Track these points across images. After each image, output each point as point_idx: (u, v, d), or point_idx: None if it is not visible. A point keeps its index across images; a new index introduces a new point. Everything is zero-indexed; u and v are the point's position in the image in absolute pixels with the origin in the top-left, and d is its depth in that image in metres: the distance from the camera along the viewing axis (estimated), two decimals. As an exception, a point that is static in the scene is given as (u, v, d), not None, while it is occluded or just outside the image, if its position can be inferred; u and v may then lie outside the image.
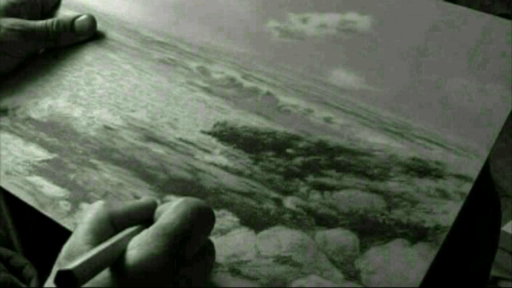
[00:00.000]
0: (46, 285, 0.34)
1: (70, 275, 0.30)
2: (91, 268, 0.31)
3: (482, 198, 0.57)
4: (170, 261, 0.34)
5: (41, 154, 0.50)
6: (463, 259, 0.58)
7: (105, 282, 0.33)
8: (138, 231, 0.36)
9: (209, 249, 0.38)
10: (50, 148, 0.50)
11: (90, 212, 0.37)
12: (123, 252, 0.34)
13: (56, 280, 0.30)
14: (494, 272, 1.31)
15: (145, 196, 0.45)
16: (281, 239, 0.41)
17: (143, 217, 0.39)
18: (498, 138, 0.43)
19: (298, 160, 0.44)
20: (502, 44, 0.46)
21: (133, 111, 0.50)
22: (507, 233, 1.30)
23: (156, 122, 0.49)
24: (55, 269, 0.34)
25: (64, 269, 0.30)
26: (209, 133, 0.47)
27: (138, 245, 0.34)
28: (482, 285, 0.61)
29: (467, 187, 0.40)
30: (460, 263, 0.58)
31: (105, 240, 0.35)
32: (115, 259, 0.33)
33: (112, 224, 0.36)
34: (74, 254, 0.34)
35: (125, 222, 0.37)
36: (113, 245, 0.34)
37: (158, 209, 0.39)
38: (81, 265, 0.30)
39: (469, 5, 0.50)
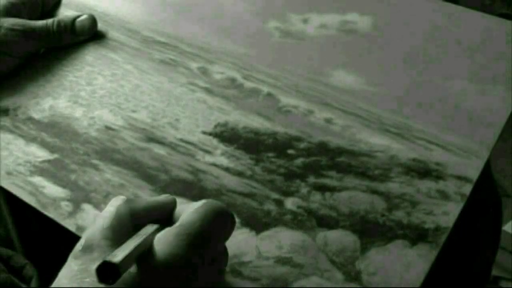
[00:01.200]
0: (54, 284, 0.34)
1: (114, 267, 0.30)
2: (130, 262, 0.32)
3: (483, 198, 0.57)
4: (191, 260, 0.34)
5: (42, 154, 0.50)
6: (464, 259, 0.58)
7: (130, 279, 0.33)
8: (160, 229, 0.36)
9: (224, 258, 0.38)
10: (51, 149, 0.50)
11: (111, 207, 0.36)
12: (147, 250, 0.34)
13: (99, 270, 0.30)
14: (495, 272, 1.31)
15: (147, 197, 0.45)
16: (282, 240, 0.41)
17: (163, 215, 0.39)
18: (498, 138, 0.43)
19: (299, 161, 0.44)
20: (502, 44, 0.46)
21: (134, 111, 0.50)
22: (508, 233, 1.30)
23: (157, 123, 0.49)
24: (71, 261, 0.34)
25: (110, 261, 0.30)
26: (210, 134, 0.47)
27: (161, 244, 0.34)
28: (483, 285, 0.61)
29: (467, 188, 0.40)
30: (461, 263, 0.58)
31: (122, 236, 0.35)
32: (142, 252, 0.34)
33: (131, 221, 0.36)
34: (92, 247, 0.34)
35: (145, 219, 0.37)
36: (145, 240, 0.34)
37: (178, 208, 0.39)
38: (124, 259, 0.31)
39: (469, 5, 0.50)
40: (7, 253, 0.53)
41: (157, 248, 0.34)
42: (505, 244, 1.29)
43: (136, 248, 0.32)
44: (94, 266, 0.31)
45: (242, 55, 0.51)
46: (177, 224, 0.35)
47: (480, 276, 0.60)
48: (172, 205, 0.39)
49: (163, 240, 0.34)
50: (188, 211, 0.36)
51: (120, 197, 0.38)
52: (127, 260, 0.31)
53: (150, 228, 0.36)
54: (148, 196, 0.45)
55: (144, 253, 0.33)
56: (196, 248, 0.34)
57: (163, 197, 0.40)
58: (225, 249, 0.38)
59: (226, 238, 0.37)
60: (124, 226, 0.36)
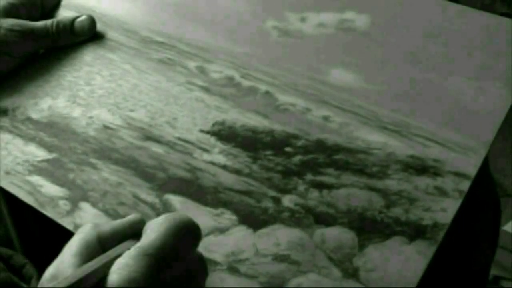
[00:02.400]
0: None
1: None
2: (72, 283, 0.31)
3: (482, 196, 0.57)
4: (152, 284, 0.32)
5: (40, 154, 0.50)
6: (463, 258, 0.58)
7: None
8: (125, 248, 0.35)
9: (199, 267, 0.37)
10: (49, 148, 0.50)
11: (78, 235, 0.36)
12: (104, 276, 0.33)
13: None
14: (495, 272, 1.31)
15: (145, 195, 0.45)
16: (280, 237, 0.41)
17: (132, 235, 0.37)
18: (497, 136, 0.43)
19: (297, 158, 0.44)
20: (501, 42, 0.46)
21: (132, 110, 0.50)
22: (508, 232, 1.30)
23: (155, 122, 0.49)
24: None
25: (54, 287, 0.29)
26: (207, 132, 0.48)
27: (118, 269, 0.33)
28: (483, 284, 0.61)
29: (465, 185, 0.40)
30: (460, 262, 0.58)
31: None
32: (98, 274, 0.33)
33: (100, 245, 0.35)
34: (57, 276, 0.33)
35: (113, 243, 0.36)
36: (101, 265, 0.33)
37: (146, 226, 0.37)
38: (71, 285, 0.30)
39: (470, 5, 0.50)
40: (7, 253, 0.53)
41: (114, 275, 0.32)
42: (505, 244, 1.29)
43: (88, 273, 0.32)
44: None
45: (240, 54, 0.51)
46: (137, 244, 0.34)
47: (479, 274, 0.60)
48: (141, 224, 0.38)
49: (120, 264, 0.33)
50: (149, 229, 0.35)
51: (87, 224, 0.37)
52: (74, 286, 0.30)
53: (112, 251, 0.35)
54: (147, 195, 0.45)
55: (111, 270, 0.33)
56: (158, 269, 0.33)
57: (130, 217, 0.39)
58: (200, 259, 0.37)
59: (194, 250, 0.36)
60: (92, 252, 0.35)
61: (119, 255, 0.34)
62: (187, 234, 0.35)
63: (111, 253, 0.34)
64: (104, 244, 0.35)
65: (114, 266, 0.33)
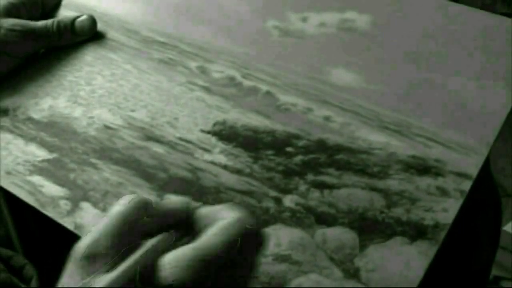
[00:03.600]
0: (59, 284, 0.32)
1: None
2: (124, 284, 0.30)
3: (483, 196, 0.57)
4: (204, 286, 0.30)
5: (41, 154, 0.50)
6: (463, 258, 0.58)
7: None
8: (169, 238, 0.33)
9: (251, 274, 0.34)
10: (50, 148, 0.50)
11: (119, 210, 0.33)
12: (156, 270, 0.31)
13: None
14: (495, 272, 1.31)
15: (146, 195, 0.45)
16: (281, 237, 0.41)
17: (179, 221, 0.34)
18: (498, 136, 0.43)
19: (298, 158, 0.44)
20: (502, 42, 0.46)
21: (133, 110, 0.50)
22: (509, 232, 1.30)
23: (156, 122, 0.49)
24: (73, 270, 0.31)
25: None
26: (208, 132, 0.47)
27: (172, 267, 0.30)
28: (483, 284, 0.61)
29: (466, 185, 0.40)
30: (460, 262, 0.57)
31: (129, 244, 0.32)
32: (147, 267, 0.31)
33: (141, 228, 0.33)
34: (95, 255, 0.31)
35: (156, 226, 0.33)
36: (146, 255, 0.31)
37: (203, 213, 0.35)
38: (113, 281, 0.29)
39: (470, 5, 0.49)
40: (7, 253, 0.53)
41: (167, 272, 0.30)
42: (506, 244, 1.29)
43: (131, 267, 0.30)
44: (98, 279, 0.30)
45: (241, 54, 0.51)
46: (195, 244, 0.31)
47: (480, 275, 0.60)
48: (190, 210, 0.35)
49: (176, 261, 0.30)
50: (211, 229, 0.32)
51: (130, 197, 0.34)
52: (116, 283, 0.29)
53: (155, 241, 0.32)
54: (148, 195, 0.45)
55: (148, 271, 0.31)
56: (213, 274, 0.30)
57: (179, 202, 0.36)
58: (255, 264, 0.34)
59: (258, 255, 0.33)
60: (132, 232, 0.32)
61: (164, 248, 0.32)
62: (254, 244, 0.32)
63: (155, 243, 0.32)
64: (146, 225, 0.33)
65: (167, 262, 0.31)
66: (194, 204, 0.36)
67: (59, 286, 0.32)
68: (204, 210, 0.35)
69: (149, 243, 0.32)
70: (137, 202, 0.33)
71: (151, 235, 0.33)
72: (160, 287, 0.30)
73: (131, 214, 0.32)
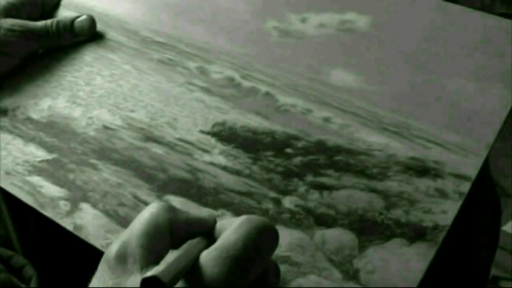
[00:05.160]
0: (90, 285, 0.33)
1: (160, 283, 0.28)
2: (176, 277, 0.30)
3: (482, 197, 0.57)
4: (235, 283, 0.31)
5: (40, 154, 0.50)
6: (463, 258, 0.58)
7: None
8: (201, 244, 0.34)
9: (273, 271, 0.35)
10: (49, 148, 0.50)
11: (150, 214, 0.34)
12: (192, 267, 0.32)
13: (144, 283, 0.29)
14: (494, 272, 1.31)
15: (145, 196, 0.45)
16: (280, 238, 0.41)
17: (202, 231, 0.36)
18: (497, 137, 0.43)
19: (297, 159, 0.44)
20: (502, 43, 0.46)
21: (132, 111, 0.50)
22: (508, 232, 1.30)
23: (155, 122, 0.49)
24: (104, 270, 0.32)
25: (156, 276, 0.28)
26: (208, 133, 0.47)
27: (201, 267, 0.31)
28: (482, 284, 0.61)
29: (466, 187, 0.40)
30: (460, 262, 0.58)
31: (159, 246, 0.33)
32: (188, 267, 0.32)
33: (170, 232, 0.34)
34: (126, 256, 0.32)
35: (183, 233, 0.35)
36: (191, 254, 0.32)
37: (218, 225, 0.36)
38: (169, 274, 0.29)
39: (469, 5, 0.50)
40: (7, 254, 0.53)
41: (198, 271, 0.31)
42: (505, 244, 1.29)
43: (181, 261, 0.31)
44: (128, 281, 0.30)
45: (240, 54, 0.51)
46: (216, 245, 0.33)
47: (479, 275, 0.60)
48: (213, 223, 0.37)
49: (203, 263, 0.32)
50: (228, 230, 0.33)
51: (160, 203, 0.35)
52: (172, 275, 0.29)
53: (194, 242, 0.34)
54: (147, 196, 0.45)
55: (190, 271, 0.31)
56: (239, 270, 0.32)
57: (206, 214, 0.38)
58: (275, 264, 0.36)
59: (271, 253, 0.35)
60: (162, 236, 0.33)
61: (199, 248, 0.33)
62: (266, 237, 0.34)
63: (187, 249, 0.33)
64: (173, 232, 0.34)
65: (197, 263, 0.32)
66: (215, 219, 0.37)
67: (91, 285, 0.32)
68: (223, 221, 0.36)
69: (186, 245, 0.33)
70: (166, 208, 0.34)
71: (177, 241, 0.34)
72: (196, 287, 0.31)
73: (160, 219, 0.34)
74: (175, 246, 0.34)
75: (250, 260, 0.32)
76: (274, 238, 0.34)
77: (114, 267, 0.32)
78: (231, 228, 0.33)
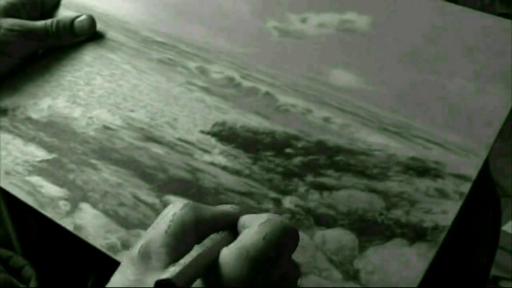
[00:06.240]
0: (112, 279, 0.33)
1: (170, 283, 0.28)
2: (192, 276, 0.30)
3: (482, 197, 0.57)
4: (255, 282, 0.31)
5: (40, 154, 0.50)
6: (463, 258, 0.58)
7: None
8: (224, 239, 0.34)
9: (293, 271, 0.35)
10: (49, 148, 0.50)
11: (176, 213, 0.34)
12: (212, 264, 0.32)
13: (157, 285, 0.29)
14: (494, 272, 1.31)
15: (145, 196, 0.45)
16: None
17: (227, 225, 0.36)
18: (497, 137, 0.43)
19: (297, 160, 0.44)
20: (501, 44, 0.46)
21: (132, 111, 0.50)
22: (508, 233, 1.30)
23: (155, 122, 0.49)
24: (127, 267, 0.32)
25: (163, 279, 0.28)
26: (208, 133, 0.47)
27: (219, 267, 0.32)
28: (482, 284, 0.61)
29: (466, 187, 0.40)
30: (460, 262, 0.57)
31: (184, 245, 0.33)
32: (207, 267, 0.32)
33: (195, 230, 0.34)
34: (150, 254, 0.32)
35: (209, 230, 0.35)
36: (210, 251, 0.32)
37: (243, 219, 0.36)
38: (180, 273, 0.29)
39: (469, 5, 0.49)
40: (6, 254, 0.53)
41: (218, 270, 0.31)
42: (505, 244, 1.29)
43: (199, 261, 0.31)
44: (150, 278, 0.30)
45: (240, 54, 0.51)
46: (238, 243, 0.32)
47: (479, 275, 0.60)
48: (237, 215, 0.37)
49: (223, 262, 0.32)
50: (250, 228, 0.33)
51: (184, 201, 0.35)
52: (187, 278, 0.29)
53: (215, 238, 0.34)
54: (147, 196, 0.45)
55: (210, 267, 0.31)
56: (259, 271, 0.31)
57: (230, 208, 0.38)
58: (294, 264, 0.36)
59: (291, 254, 0.35)
60: (187, 235, 0.33)
61: (219, 245, 0.33)
62: (289, 239, 0.34)
63: (209, 245, 0.33)
64: (198, 229, 0.34)
65: (213, 265, 0.32)
66: (239, 211, 0.37)
67: (112, 281, 0.33)
68: (246, 216, 0.36)
69: (207, 241, 0.33)
70: (192, 207, 0.34)
71: (202, 237, 0.34)
72: (215, 286, 0.31)
73: (185, 218, 0.34)
74: (199, 241, 0.34)
75: (270, 261, 0.32)
76: (295, 239, 0.34)
77: (138, 264, 0.32)
78: (253, 227, 0.33)
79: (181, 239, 0.33)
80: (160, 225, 0.33)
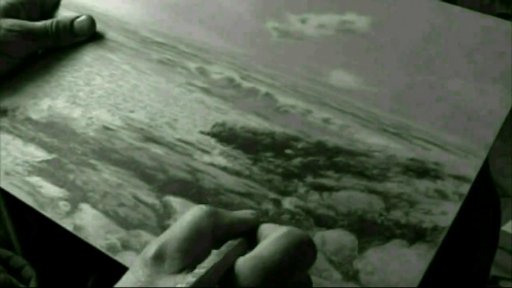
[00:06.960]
0: (123, 277, 0.33)
1: None
2: (204, 286, 0.30)
3: (482, 197, 0.57)
4: None
5: (40, 154, 0.50)
6: (463, 259, 0.58)
7: None
8: (241, 246, 0.34)
9: (306, 285, 0.35)
10: (49, 149, 0.50)
11: (193, 218, 0.34)
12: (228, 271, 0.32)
13: None
14: (494, 272, 1.31)
15: (145, 196, 0.45)
16: None
17: (243, 230, 0.36)
18: (497, 138, 0.43)
19: (297, 160, 0.44)
20: (501, 44, 0.46)
21: (132, 111, 0.50)
22: (508, 233, 1.30)
23: (155, 123, 0.49)
24: (140, 267, 0.32)
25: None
26: (208, 134, 0.47)
27: (234, 276, 0.31)
28: (482, 284, 0.61)
29: (465, 188, 0.40)
30: (460, 263, 0.58)
31: (199, 251, 0.33)
32: (221, 274, 0.32)
33: (211, 236, 0.34)
34: (164, 257, 0.32)
35: (225, 235, 0.35)
36: (224, 261, 0.32)
37: (262, 228, 0.36)
38: (197, 283, 0.29)
39: (469, 6, 0.49)
40: (6, 254, 0.53)
41: (233, 279, 0.31)
42: (505, 244, 1.29)
43: (215, 271, 0.31)
44: (161, 281, 0.31)
45: (240, 55, 0.51)
46: (254, 253, 0.32)
47: (479, 275, 0.60)
48: (256, 221, 0.37)
49: (239, 271, 0.32)
50: (268, 239, 0.33)
51: (202, 207, 0.35)
52: (203, 285, 0.30)
53: (234, 246, 0.34)
54: (147, 197, 0.45)
55: (224, 276, 0.32)
56: (273, 283, 0.31)
57: (248, 214, 0.38)
58: (308, 278, 0.36)
59: (308, 268, 0.34)
60: (203, 241, 0.33)
61: (236, 251, 0.33)
62: (305, 252, 0.33)
63: (225, 255, 0.33)
64: (215, 234, 0.34)
65: (228, 272, 0.32)
66: (258, 217, 0.37)
67: (123, 280, 0.33)
68: (266, 225, 0.36)
69: (224, 247, 0.33)
70: (208, 212, 0.34)
71: (219, 242, 0.34)
72: None
73: (203, 224, 0.34)
74: (215, 246, 0.34)
75: (285, 274, 0.32)
76: (312, 253, 0.34)
77: (150, 266, 0.32)
78: (271, 237, 0.33)
79: (196, 245, 0.33)
80: (177, 229, 0.33)
